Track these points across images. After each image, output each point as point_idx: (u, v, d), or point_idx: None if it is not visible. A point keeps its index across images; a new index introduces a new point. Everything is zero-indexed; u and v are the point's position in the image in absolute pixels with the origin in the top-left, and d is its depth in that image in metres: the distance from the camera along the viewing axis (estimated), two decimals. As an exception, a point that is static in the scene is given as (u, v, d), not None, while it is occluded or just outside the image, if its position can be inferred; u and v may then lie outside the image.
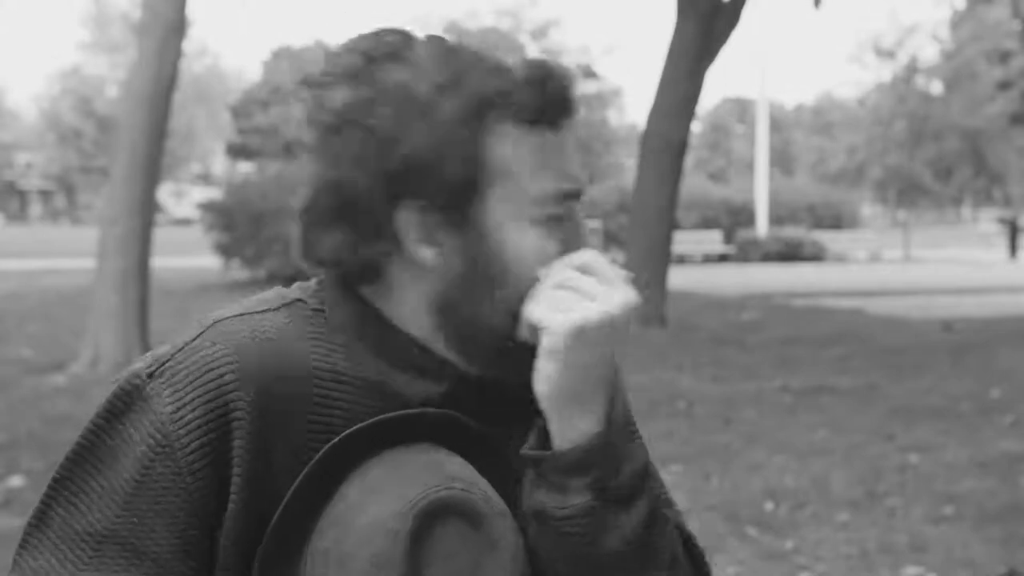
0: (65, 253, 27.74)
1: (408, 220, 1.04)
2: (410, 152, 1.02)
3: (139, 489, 1.01)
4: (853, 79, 69.99)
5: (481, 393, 1.08)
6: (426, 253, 1.04)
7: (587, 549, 1.05)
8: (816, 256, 29.63)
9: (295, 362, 1.05)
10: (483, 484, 1.02)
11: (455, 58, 1.04)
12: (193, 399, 1.02)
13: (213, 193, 25.87)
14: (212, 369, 1.03)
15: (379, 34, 1.08)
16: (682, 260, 26.00)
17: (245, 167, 57.76)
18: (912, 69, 45.82)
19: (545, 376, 1.02)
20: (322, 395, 1.05)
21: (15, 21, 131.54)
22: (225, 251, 17.95)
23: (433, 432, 1.05)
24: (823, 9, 12.17)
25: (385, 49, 1.05)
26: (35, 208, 72.18)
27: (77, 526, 1.02)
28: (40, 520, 1.04)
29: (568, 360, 1.01)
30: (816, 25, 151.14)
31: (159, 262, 11.40)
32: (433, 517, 0.96)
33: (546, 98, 1.04)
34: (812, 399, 7.45)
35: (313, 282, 1.13)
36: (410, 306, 1.07)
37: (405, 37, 1.07)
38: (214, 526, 1.03)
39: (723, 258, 28.87)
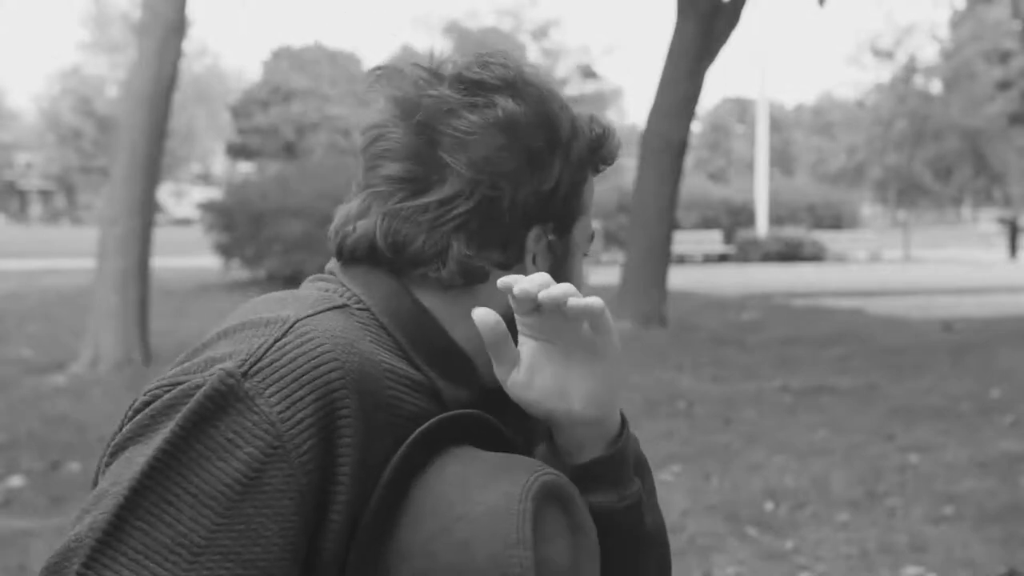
0: (65, 253, 27.74)
1: (537, 238, 1.14)
2: (556, 183, 1.14)
3: (246, 494, 0.95)
4: (853, 79, 70.11)
5: (504, 404, 1.11)
6: (534, 269, 1.14)
7: (639, 530, 1.14)
8: (816, 256, 29.64)
9: (372, 362, 1.05)
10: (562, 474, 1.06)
11: (558, 99, 1.17)
12: (303, 396, 0.98)
13: (213, 193, 25.88)
14: (319, 366, 1.00)
15: (489, 58, 1.16)
16: (682, 260, 26.01)
17: (245, 167, 57.81)
18: (911, 69, 45.81)
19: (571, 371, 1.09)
20: (394, 396, 1.06)
21: (15, 21, 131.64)
22: (225, 251, 17.94)
23: (465, 435, 1.08)
24: (823, 9, 12.17)
25: (513, 74, 1.15)
26: (35, 208, 72.17)
27: (164, 538, 0.93)
28: (111, 536, 0.93)
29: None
30: (816, 25, 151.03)
31: (159, 262, 11.41)
32: (542, 499, 1.00)
33: (611, 153, 1.21)
34: (812, 399, 7.45)
35: (332, 281, 1.13)
36: (441, 306, 1.12)
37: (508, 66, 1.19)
38: (312, 532, 0.99)
39: (723, 258, 28.88)
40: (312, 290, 1.12)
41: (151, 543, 0.93)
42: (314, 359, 1.00)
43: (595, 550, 1.04)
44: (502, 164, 1.10)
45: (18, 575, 3.97)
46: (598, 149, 1.20)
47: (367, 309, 1.10)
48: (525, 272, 1.13)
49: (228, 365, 0.99)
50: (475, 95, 1.10)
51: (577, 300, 1.04)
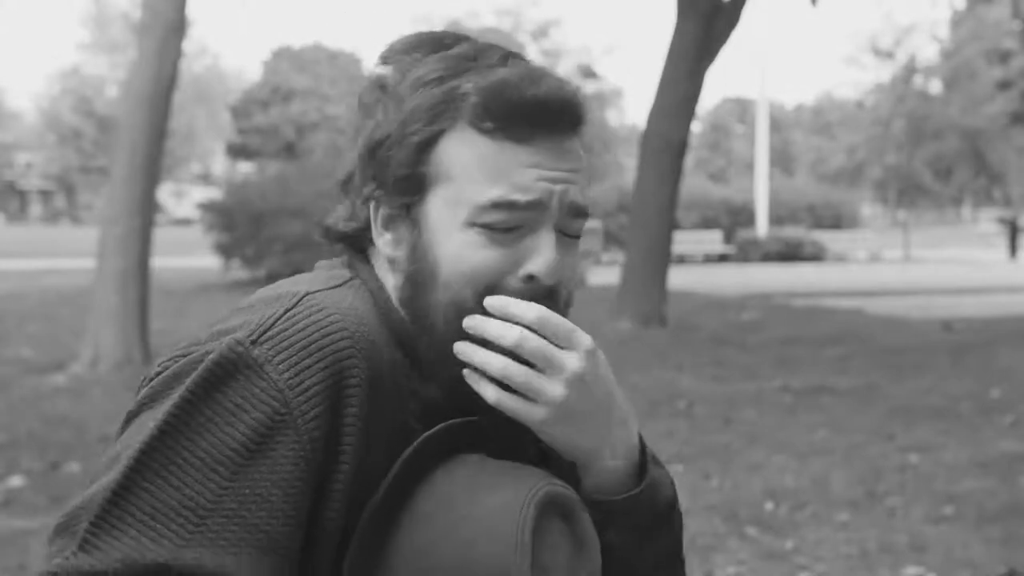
0: (65, 253, 27.74)
1: (374, 208, 1.08)
2: (379, 137, 1.06)
3: (253, 459, 0.95)
4: (852, 79, 70.12)
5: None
6: (385, 240, 1.08)
7: (648, 570, 1.12)
8: (816, 256, 29.64)
9: (380, 334, 1.05)
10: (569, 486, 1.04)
11: (459, 60, 1.06)
12: (311, 364, 0.98)
13: (213, 193, 25.87)
14: (328, 335, 1.00)
15: (440, 33, 1.12)
16: (682, 260, 26.01)
17: (245, 167, 57.79)
18: (911, 69, 45.82)
19: (550, 440, 1.05)
20: (398, 369, 1.06)
21: (15, 21, 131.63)
22: (225, 251, 17.94)
23: (476, 440, 1.07)
24: (823, 9, 12.17)
25: (419, 42, 1.10)
26: (35, 208, 72.15)
27: (172, 500, 0.94)
28: (120, 496, 0.93)
29: (558, 435, 1.05)
30: (816, 25, 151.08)
31: (159, 262, 11.41)
32: (545, 508, 0.99)
33: (504, 106, 1.03)
34: (812, 399, 7.45)
35: (337, 263, 1.14)
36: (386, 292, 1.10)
37: (453, 38, 1.11)
38: (315, 501, 0.99)
39: (723, 258, 28.87)
40: (322, 272, 1.14)
41: (158, 504, 0.94)
42: (324, 327, 1.01)
43: (596, 566, 1.03)
44: (357, 122, 1.10)
45: (18, 575, 3.97)
46: (464, 99, 1.04)
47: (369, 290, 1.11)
48: (377, 245, 1.09)
49: (238, 334, 1.00)
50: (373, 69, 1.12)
51: (528, 379, 1.01)
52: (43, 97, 69.05)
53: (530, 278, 1.04)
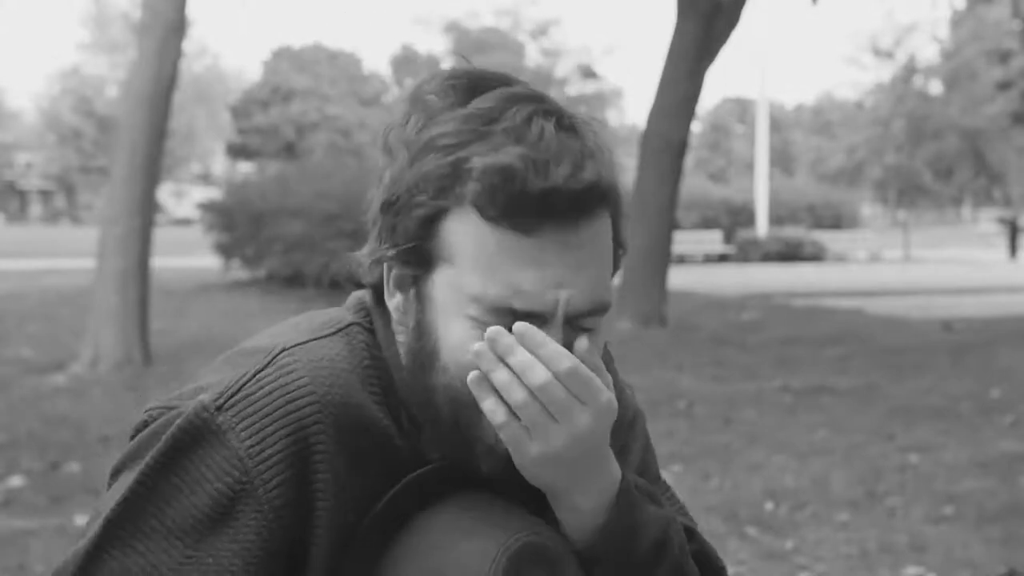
0: (65, 253, 27.73)
1: (388, 268, 1.05)
2: (390, 197, 1.02)
3: (216, 528, 0.96)
4: (852, 79, 70.10)
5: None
6: (395, 303, 1.05)
7: None
8: (816, 256, 29.64)
9: (356, 393, 1.02)
10: (559, 534, 1.02)
11: (475, 122, 1.00)
12: (273, 432, 0.97)
13: (213, 193, 25.86)
14: (292, 400, 0.98)
15: (478, 76, 1.05)
16: (682, 260, 26.00)
17: (245, 167, 57.79)
18: (911, 69, 45.81)
19: (520, 468, 1.02)
20: (383, 426, 1.04)
21: (15, 21, 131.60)
22: (225, 251, 17.94)
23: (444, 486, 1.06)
24: (823, 9, 12.17)
25: (455, 84, 1.04)
26: (35, 208, 72.13)
27: (135, 568, 0.95)
28: (89, 563, 0.96)
29: (548, 482, 1.03)
30: (816, 25, 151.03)
31: (159, 262, 11.40)
32: (522, 560, 0.97)
33: (506, 198, 0.96)
34: (812, 399, 7.45)
35: (358, 300, 1.12)
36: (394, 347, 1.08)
37: (485, 79, 1.04)
38: (286, 566, 0.99)
39: (723, 258, 28.87)
40: (335, 310, 1.12)
41: (124, 573, 0.96)
42: (289, 393, 0.99)
43: None
44: (381, 161, 1.06)
45: (18, 575, 3.97)
46: (468, 177, 0.97)
47: (372, 330, 1.08)
48: (388, 303, 1.05)
49: (205, 398, 0.99)
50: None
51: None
52: (43, 97, 69.06)
53: None
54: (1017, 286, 18.97)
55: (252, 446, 0.97)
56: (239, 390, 0.99)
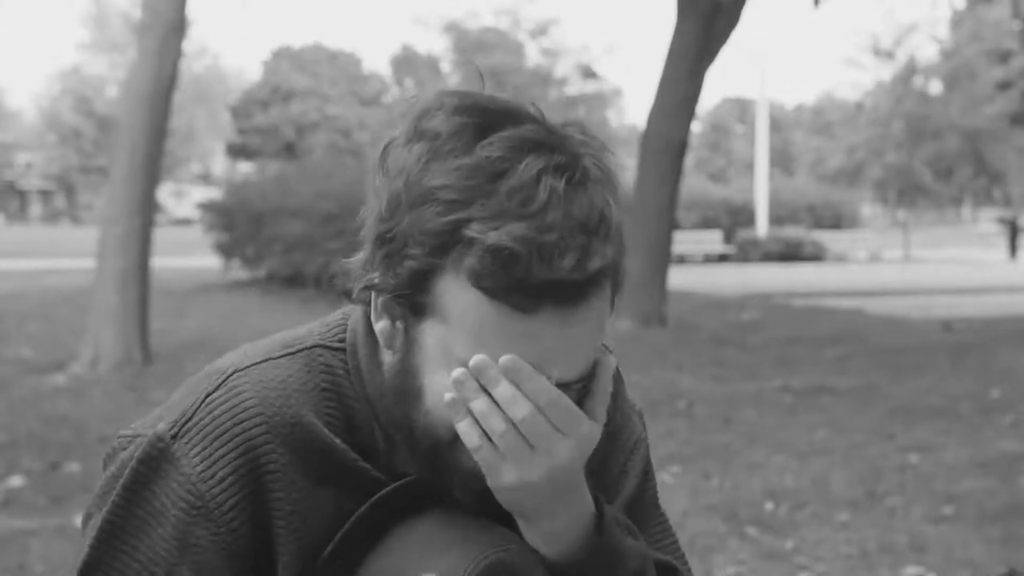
0: (65, 253, 27.73)
1: (375, 295, 1.02)
2: (383, 231, 0.98)
3: (182, 555, 0.97)
4: (852, 80, 70.11)
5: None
6: (381, 327, 1.02)
7: None
8: (816, 256, 29.63)
9: (305, 414, 1.02)
10: (531, 550, 1.01)
11: (479, 176, 0.94)
12: (223, 455, 0.98)
13: (213, 193, 25.87)
14: (240, 422, 0.99)
15: (497, 109, 0.99)
16: (682, 260, 26.00)
17: (245, 167, 57.78)
18: (911, 69, 45.81)
19: (494, 491, 1.01)
20: (334, 446, 1.03)
21: (15, 21, 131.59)
22: (225, 251, 17.95)
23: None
24: (823, 9, 12.16)
25: (467, 118, 0.97)
26: (35, 208, 72.13)
27: None
28: None
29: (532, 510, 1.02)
30: (816, 25, 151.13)
31: (159, 262, 11.40)
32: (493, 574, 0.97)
33: (505, 281, 0.92)
34: (812, 399, 7.45)
35: (359, 311, 1.11)
36: (378, 373, 1.06)
37: (495, 116, 0.98)
38: None
39: (723, 258, 28.86)
40: (307, 328, 1.11)
41: None
42: (237, 415, 1.00)
43: None
44: (376, 178, 1.01)
45: (18, 575, 3.97)
46: (465, 246, 0.93)
47: (341, 349, 1.07)
48: (375, 326, 1.02)
49: (161, 427, 1.01)
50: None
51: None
52: (43, 97, 69.07)
53: None
54: (1017, 286, 18.97)
55: (204, 470, 0.98)
56: (192, 416, 1.01)
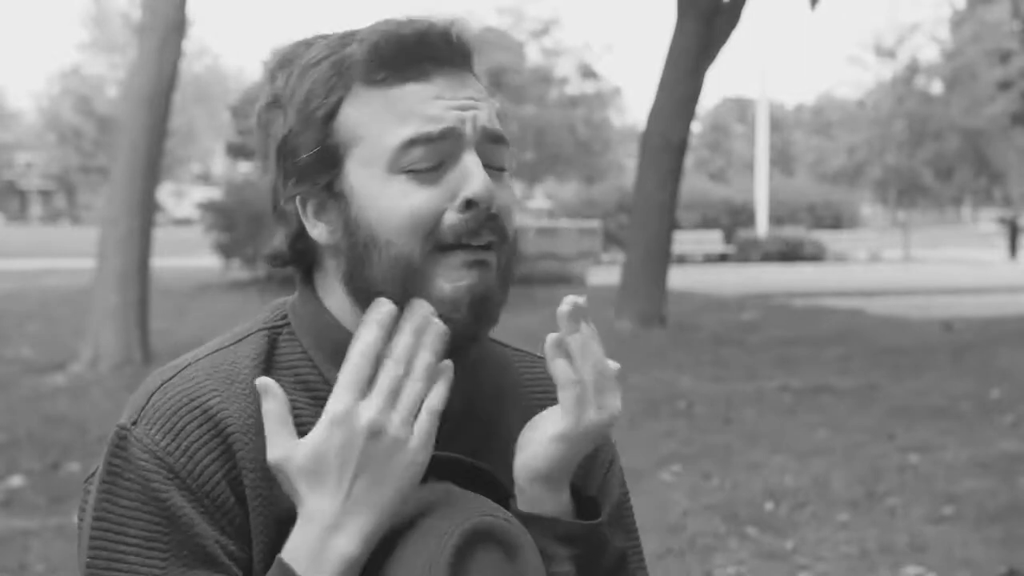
0: (65, 253, 27.74)
1: (301, 203, 1.06)
2: (283, 132, 1.05)
3: (173, 529, 0.99)
4: (853, 79, 70.04)
5: None
6: (319, 230, 1.06)
7: None
8: (816, 256, 29.62)
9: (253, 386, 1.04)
10: (517, 520, 1.03)
11: (339, 37, 1.06)
12: (185, 426, 1.01)
13: (213, 193, 25.87)
14: (197, 397, 1.02)
15: (314, 36, 1.10)
16: (682, 260, 26.00)
17: (245, 167, 57.75)
18: (912, 69, 45.81)
19: (551, 458, 1.05)
20: (305, 417, 1.04)
21: (15, 21, 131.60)
22: (225, 251, 17.94)
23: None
24: (822, 9, 12.16)
25: (296, 48, 1.08)
26: (35, 208, 72.11)
27: None
28: None
29: (580, 452, 1.06)
30: (816, 25, 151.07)
31: (159, 262, 11.40)
32: (476, 539, 0.97)
33: (389, 51, 1.02)
34: (812, 399, 7.45)
35: (278, 304, 1.15)
36: (337, 294, 1.07)
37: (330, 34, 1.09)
38: (247, 542, 1.02)
39: (723, 258, 28.86)
40: (249, 322, 1.14)
41: None
42: (191, 389, 1.03)
43: None
44: (256, 145, 1.11)
45: (18, 575, 3.97)
46: (351, 62, 1.03)
47: (282, 326, 1.10)
48: (316, 240, 1.07)
49: (122, 419, 1.05)
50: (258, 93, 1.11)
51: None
52: (43, 97, 69.03)
53: (468, 204, 1.00)
54: (1017, 286, 18.97)
55: (168, 443, 1.00)
56: (148, 402, 1.04)
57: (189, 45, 53.70)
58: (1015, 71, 35.05)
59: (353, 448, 0.96)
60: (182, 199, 66.47)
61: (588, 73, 49.78)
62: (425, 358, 0.98)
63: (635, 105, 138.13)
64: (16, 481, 5.19)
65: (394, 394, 0.97)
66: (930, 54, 48.24)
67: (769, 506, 4.82)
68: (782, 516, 4.69)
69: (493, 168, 1.04)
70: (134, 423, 1.03)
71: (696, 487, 5.12)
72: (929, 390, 7.74)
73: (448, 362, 1.00)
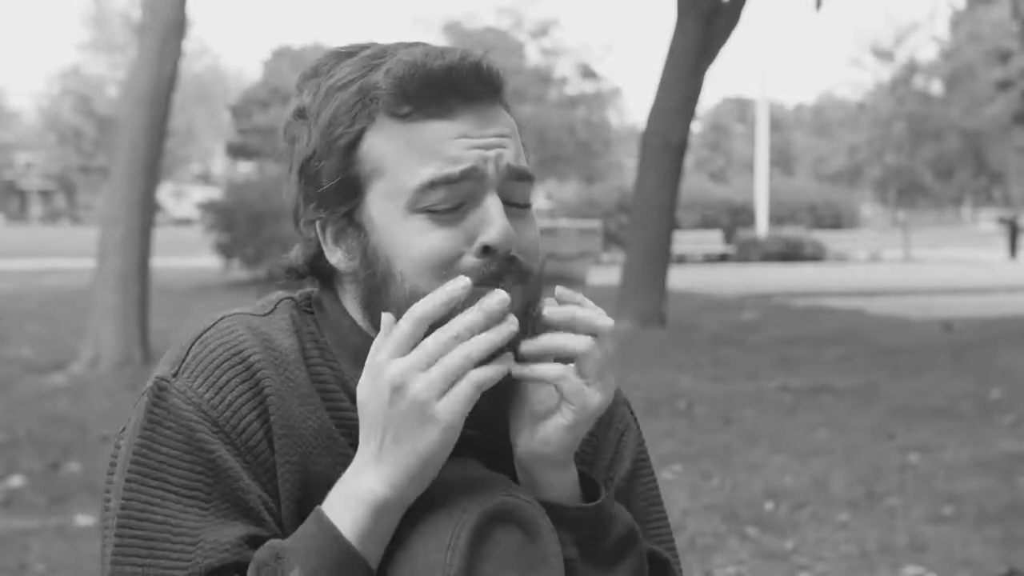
0: (65, 253, 27.73)
1: (321, 227, 1.07)
2: (306, 154, 1.06)
3: (216, 480, 1.00)
4: (853, 80, 70.09)
5: None
6: (338, 257, 1.07)
7: None
8: (816, 256, 29.60)
9: (290, 355, 1.06)
10: (535, 500, 1.03)
11: (366, 60, 1.05)
12: (229, 380, 1.02)
13: (213, 193, 25.87)
14: (239, 352, 1.03)
15: (345, 47, 1.10)
16: (682, 260, 25.99)
17: (245, 167, 57.77)
18: (912, 69, 45.85)
19: (565, 437, 1.04)
20: (320, 388, 1.07)
21: (15, 21, 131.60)
22: (225, 251, 17.94)
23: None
24: (823, 9, 12.16)
25: (325, 61, 1.09)
26: (35, 208, 72.11)
27: (159, 534, 0.99)
28: (117, 557, 1.00)
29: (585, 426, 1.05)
30: (816, 25, 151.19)
31: (159, 262, 11.40)
32: (496, 520, 0.98)
33: (415, 86, 1.01)
34: (812, 399, 7.45)
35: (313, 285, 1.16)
36: (356, 309, 1.09)
37: (359, 47, 1.09)
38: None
39: (723, 258, 28.84)
40: (261, 301, 1.15)
41: (148, 541, 0.99)
42: (233, 344, 1.04)
43: None
44: (287, 156, 1.10)
45: (18, 575, 3.97)
46: (376, 91, 1.02)
47: (310, 311, 1.12)
48: (336, 265, 1.08)
49: (161, 371, 1.05)
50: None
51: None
52: (43, 97, 69.10)
53: (485, 250, 1.01)
54: (1017, 286, 18.97)
55: (212, 396, 1.01)
56: (187, 354, 1.04)
57: (189, 45, 53.68)
58: (1014, 71, 35.07)
59: (381, 399, 0.96)
60: (182, 199, 66.47)
61: (588, 73, 49.80)
62: (489, 337, 0.96)
63: (635, 105, 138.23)
64: (16, 481, 5.19)
65: (431, 357, 0.96)
66: (929, 53, 48.23)
67: (769, 506, 4.82)
68: (782, 516, 4.69)
69: (517, 205, 1.04)
70: (175, 375, 1.03)
71: (696, 487, 5.12)
72: (929, 390, 7.74)
73: (510, 354, 0.99)
